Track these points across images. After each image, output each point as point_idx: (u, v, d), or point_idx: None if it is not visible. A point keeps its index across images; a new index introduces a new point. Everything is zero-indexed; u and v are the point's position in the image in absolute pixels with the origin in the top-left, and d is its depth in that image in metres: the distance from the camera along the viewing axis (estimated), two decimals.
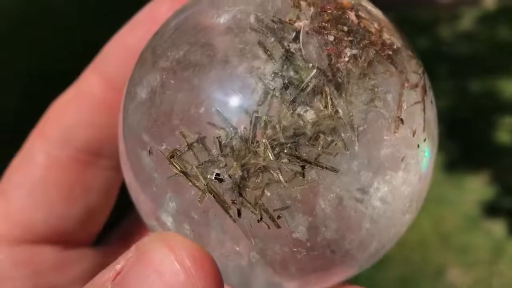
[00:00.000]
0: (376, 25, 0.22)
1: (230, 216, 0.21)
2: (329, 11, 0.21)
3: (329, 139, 0.20)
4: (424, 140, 0.23)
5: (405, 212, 0.23)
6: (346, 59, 0.21)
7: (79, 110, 0.27)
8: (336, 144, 0.20)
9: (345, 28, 0.21)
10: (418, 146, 0.22)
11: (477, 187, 1.32)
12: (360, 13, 0.22)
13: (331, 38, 0.21)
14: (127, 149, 0.23)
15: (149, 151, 0.22)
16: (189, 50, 0.22)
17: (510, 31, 1.85)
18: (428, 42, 1.85)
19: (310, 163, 0.20)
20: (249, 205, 0.20)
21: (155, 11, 0.26)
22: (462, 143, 1.44)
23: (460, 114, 1.56)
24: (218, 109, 0.20)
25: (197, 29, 0.22)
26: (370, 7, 0.23)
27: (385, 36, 0.22)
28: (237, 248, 0.22)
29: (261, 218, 0.21)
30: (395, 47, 0.22)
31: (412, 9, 1.96)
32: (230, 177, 0.20)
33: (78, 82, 0.28)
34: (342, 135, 0.20)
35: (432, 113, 0.24)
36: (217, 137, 0.20)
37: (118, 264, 0.19)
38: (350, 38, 0.21)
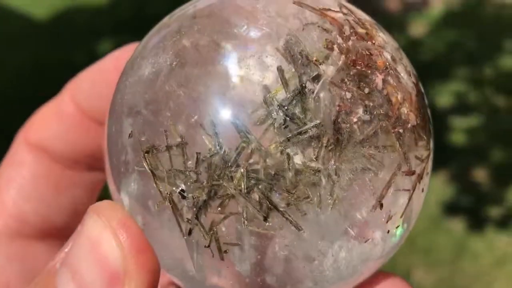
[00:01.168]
0: (399, 96, 0.21)
1: (181, 231, 0.20)
2: (358, 66, 0.20)
3: (306, 194, 0.19)
4: (397, 226, 0.22)
5: (352, 281, 0.23)
6: (354, 121, 0.20)
7: (56, 124, 0.29)
8: (310, 201, 0.20)
9: (366, 90, 0.20)
10: (388, 232, 0.22)
11: (437, 188, 1.36)
12: (389, 78, 0.21)
13: (348, 95, 0.20)
14: (114, 114, 0.23)
15: (130, 134, 0.21)
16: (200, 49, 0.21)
17: (457, 35, 1.92)
18: None
19: (278, 211, 0.19)
20: (202, 229, 0.20)
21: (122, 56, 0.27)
22: None
23: None
24: (213, 120, 0.20)
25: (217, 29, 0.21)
26: (404, 73, 0.22)
27: (404, 110, 0.21)
28: (179, 257, 0.21)
29: (209, 245, 0.20)
30: (409, 125, 0.21)
31: None
32: (193, 198, 0.20)
33: (57, 98, 0.29)
34: (321, 194, 0.20)
35: (418, 202, 0.23)
36: (196, 152, 0.20)
37: (68, 245, 0.19)
38: (366, 102, 0.20)
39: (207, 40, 0.21)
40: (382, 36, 0.22)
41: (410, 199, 0.22)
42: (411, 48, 1.85)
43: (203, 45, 0.21)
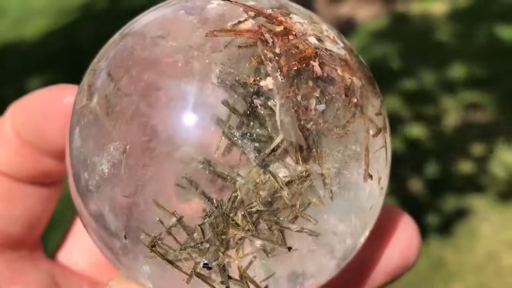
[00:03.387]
0: (339, 70, 0.21)
1: None
2: (293, 66, 0.20)
3: (307, 199, 0.20)
4: (380, 178, 0.23)
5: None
6: (313, 115, 0.20)
7: None
8: (314, 204, 0.20)
9: (310, 83, 0.20)
10: (382, 188, 0.23)
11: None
12: (323, 59, 0.21)
13: (298, 96, 0.20)
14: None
15: (124, 236, 0.21)
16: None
17: (383, 51, 2.00)
18: None
19: (289, 228, 0.20)
20: (236, 281, 0.20)
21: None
22: None
23: None
24: (192, 180, 0.19)
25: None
26: (332, 45, 0.22)
27: (348, 79, 0.21)
28: None
29: None
30: (359, 89, 0.22)
31: None
32: (219, 265, 0.20)
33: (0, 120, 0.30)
34: (319, 193, 0.20)
35: (389, 150, 0.24)
36: (199, 225, 0.20)
37: None
38: (315, 93, 0.20)
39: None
40: (297, 20, 0.22)
41: (386, 151, 0.23)
42: None
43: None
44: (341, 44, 0.23)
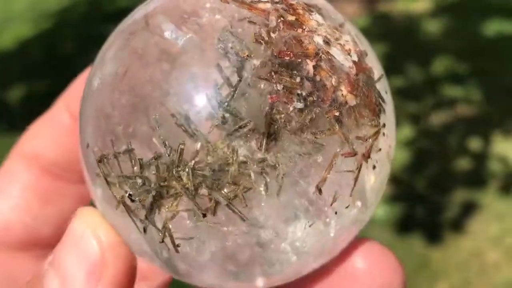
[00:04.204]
0: (333, 79, 0.21)
1: (138, 228, 0.22)
2: (286, 57, 0.21)
3: (251, 184, 0.20)
4: (347, 206, 0.22)
5: (314, 258, 0.24)
6: (290, 110, 0.20)
7: (50, 132, 0.30)
8: (256, 191, 0.20)
9: (298, 79, 0.21)
10: (336, 213, 0.22)
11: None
12: (321, 63, 0.21)
13: (279, 86, 0.20)
14: (80, 122, 0.24)
15: (87, 144, 0.23)
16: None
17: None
18: None
19: (227, 204, 0.20)
20: (154, 227, 0.21)
21: None
22: None
23: None
24: (158, 121, 0.21)
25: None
26: (340, 54, 0.22)
27: (340, 92, 0.21)
28: (146, 249, 0.23)
29: (163, 241, 0.22)
30: (346, 107, 0.21)
31: None
32: (140, 201, 0.21)
33: (51, 111, 0.31)
34: (266, 182, 0.21)
35: (372, 179, 0.23)
36: (138, 159, 0.21)
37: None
38: (298, 91, 0.20)
39: (152, 44, 0.22)
40: (316, 19, 0.23)
41: (356, 179, 0.22)
42: None
43: (147, 51, 0.22)
44: (354, 58, 0.23)
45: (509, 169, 1.48)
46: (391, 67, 1.89)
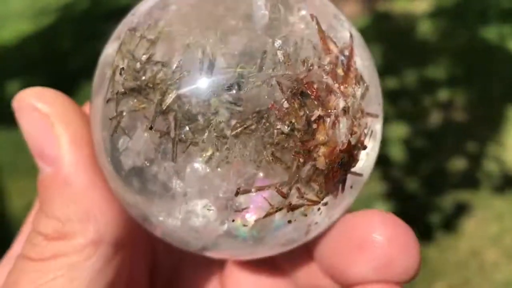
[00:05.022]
0: (321, 137, 0.22)
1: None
2: (309, 91, 0.22)
3: (193, 137, 0.21)
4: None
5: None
6: (274, 126, 0.21)
7: None
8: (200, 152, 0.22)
9: (301, 113, 0.22)
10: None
11: (378, 203, 1.39)
12: (326, 120, 0.22)
13: (286, 105, 0.21)
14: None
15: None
16: None
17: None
18: None
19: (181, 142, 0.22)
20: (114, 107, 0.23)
21: None
22: None
23: None
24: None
25: None
26: (345, 125, 0.23)
27: (317, 154, 0.22)
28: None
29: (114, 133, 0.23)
30: (314, 165, 0.22)
31: None
32: (124, 79, 0.23)
33: None
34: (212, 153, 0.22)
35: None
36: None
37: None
38: (292, 120, 0.21)
39: None
40: (354, 89, 0.23)
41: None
42: None
43: None
44: (356, 130, 0.23)
45: (505, 170, 1.48)
46: (387, 67, 1.89)
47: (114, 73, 0.23)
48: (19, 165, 1.55)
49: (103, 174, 0.24)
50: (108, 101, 0.23)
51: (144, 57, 0.22)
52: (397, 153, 1.55)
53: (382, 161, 1.53)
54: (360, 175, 0.24)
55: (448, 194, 1.43)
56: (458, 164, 1.52)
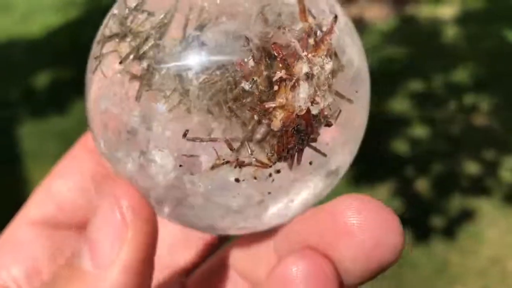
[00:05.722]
0: (281, 102, 0.22)
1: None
2: (277, 52, 0.22)
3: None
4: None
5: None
6: (237, 82, 0.22)
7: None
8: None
9: (265, 73, 0.22)
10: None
11: (383, 200, 1.39)
12: (287, 83, 0.22)
13: (251, 63, 0.22)
14: None
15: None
16: None
17: (395, 52, 1.99)
18: None
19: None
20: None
21: None
22: (365, 157, 1.51)
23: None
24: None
25: None
26: (304, 96, 0.23)
27: (273, 116, 0.22)
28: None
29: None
30: (265, 128, 0.23)
31: None
32: (131, 41, 0.24)
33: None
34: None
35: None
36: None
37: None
38: (255, 78, 0.22)
39: None
40: (324, 61, 0.23)
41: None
42: None
43: None
44: (309, 111, 0.23)
45: None
46: (413, 70, 1.87)
47: (108, 19, 0.25)
48: (43, 154, 1.58)
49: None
50: (97, 43, 0.25)
51: (133, 5, 0.24)
52: (409, 153, 1.53)
53: (394, 159, 1.52)
54: (323, 154, 0.24)
55: (467, 200, 1.41)
56: (481, 169, 1.50)
